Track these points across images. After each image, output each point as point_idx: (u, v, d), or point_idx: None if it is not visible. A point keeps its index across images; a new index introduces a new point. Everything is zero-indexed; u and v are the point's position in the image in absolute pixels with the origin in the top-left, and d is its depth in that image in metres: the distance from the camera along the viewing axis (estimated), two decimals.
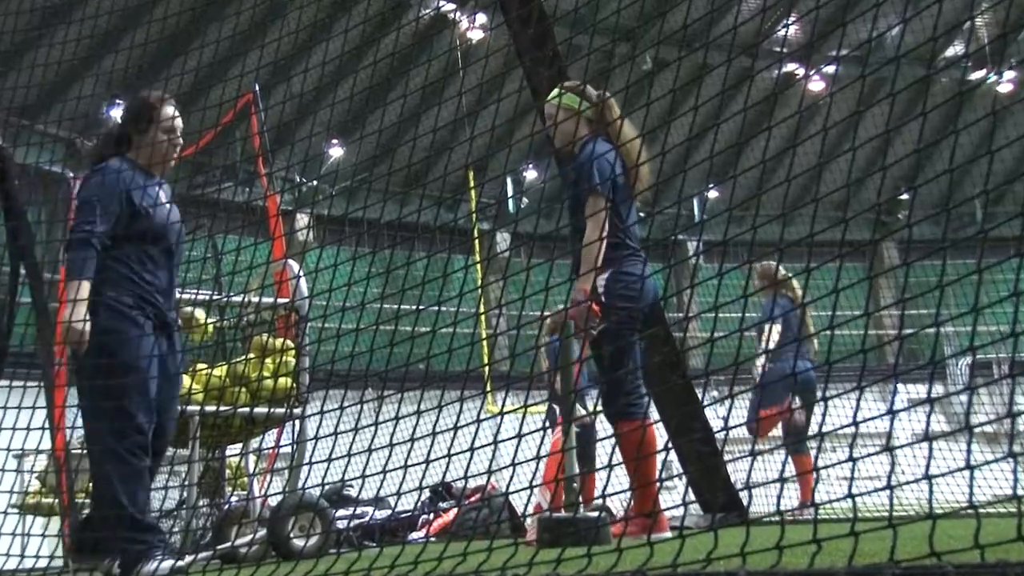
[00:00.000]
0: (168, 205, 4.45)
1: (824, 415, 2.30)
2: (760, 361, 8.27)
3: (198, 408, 5.21)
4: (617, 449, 5.12)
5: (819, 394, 8.68)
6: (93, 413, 4.19)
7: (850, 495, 2.16)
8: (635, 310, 4.93)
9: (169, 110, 4.54)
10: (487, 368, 10.87)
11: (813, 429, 8.98)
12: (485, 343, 13.93)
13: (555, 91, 5.23)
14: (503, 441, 3.12)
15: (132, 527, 4.06)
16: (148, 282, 4.33)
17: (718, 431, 2.98)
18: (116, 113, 20.22)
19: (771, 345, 8.33)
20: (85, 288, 4.20)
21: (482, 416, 3.33)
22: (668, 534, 4.91)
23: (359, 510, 8.90)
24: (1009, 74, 26.82)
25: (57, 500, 7.13)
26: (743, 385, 8.42)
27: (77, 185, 4.42)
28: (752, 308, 9.20)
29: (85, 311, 4.18)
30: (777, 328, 8.40)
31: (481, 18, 23.48)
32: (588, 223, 4.76)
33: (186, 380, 5.35)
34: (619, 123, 5.04)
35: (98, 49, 14.41)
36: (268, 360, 5.50)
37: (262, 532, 5.23)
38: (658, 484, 5.07)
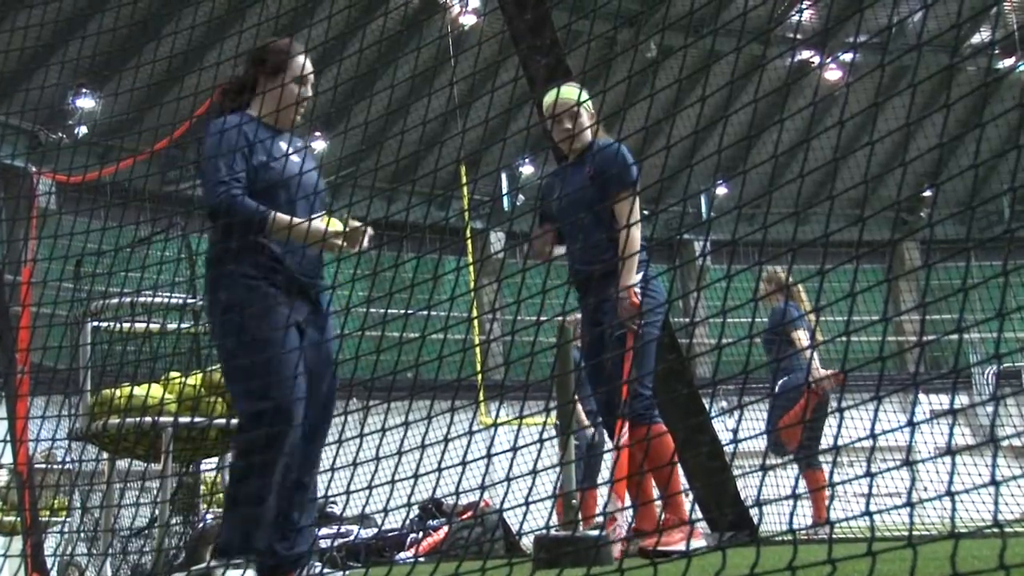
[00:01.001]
0: (296, 159, 4.22)
1: (840, 427, 2.31)
2: (816, 365, 8.28)
3: (171, 420, 5.21)
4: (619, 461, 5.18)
5: (832, 404, 8.68)
6: (235, 399, 4.08)
7: (867, 512, 2.17)
8: (662, 315, 5.20)
9: (302, 59, 4.37)
10: (480, 376, 10.87)
11: (826, 442, 8.98)
12: (478, 350, 13.94)
13: (572, 91, 5.28)
14: (497, 454, 3.13)
15: (259, 526, 3.92)
16: (275, 246, 4.08)
17: (727, 444, 2.99)
18: (84, 102, 20.25)
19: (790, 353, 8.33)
20: (283, 216, 4.00)
21: (474, 428, 3.34)
22: (703, 542, 4.97)
23: (343, 528, 8.89)
24: None
25: (19, 518, 7.12)
26: (753, 395, 8.43)
27: (204, 141, 4.17)
28: (762, 313, 9.21)
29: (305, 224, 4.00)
30: (804, 334, 8.38)
31: (474, 2, 23.50)
32: (623, 218, 5.05)
33: (157, 389, 5.35)
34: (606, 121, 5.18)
35: (63, 35, 14.46)
36: None
37: None
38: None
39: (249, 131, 4.12)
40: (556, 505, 8.48)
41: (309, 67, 4.38)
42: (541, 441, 3.02)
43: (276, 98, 4.24)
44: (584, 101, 5.26)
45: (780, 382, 8.37)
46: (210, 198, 4.01)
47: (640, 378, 5.14)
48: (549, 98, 5.41)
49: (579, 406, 7.74)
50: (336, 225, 4.08)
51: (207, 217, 4.12)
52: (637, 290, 5.06)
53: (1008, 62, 26.08)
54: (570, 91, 5.27)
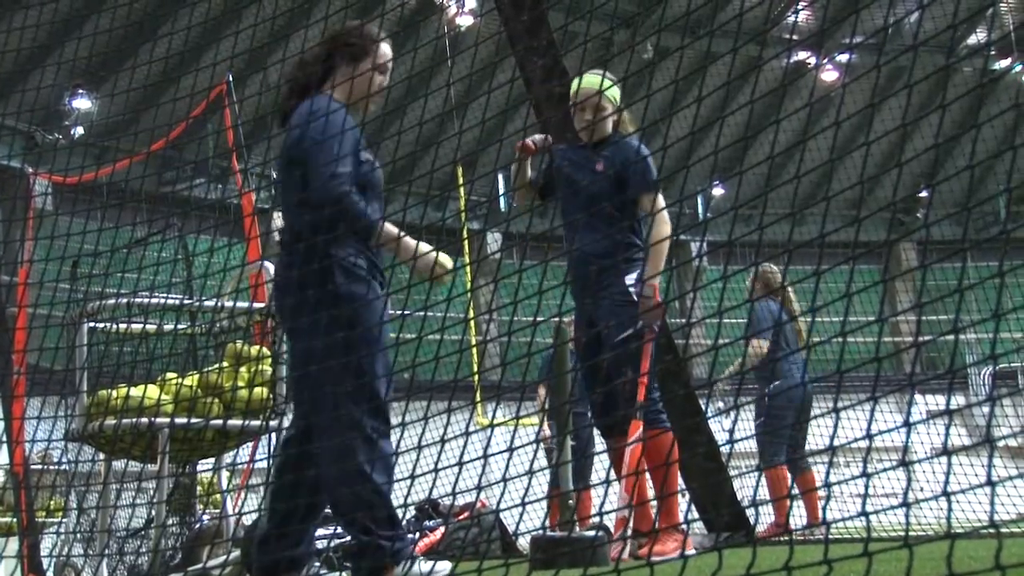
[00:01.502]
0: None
1: (836, 428, 2.31)
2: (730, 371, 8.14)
3: (167, 420, 5.20)
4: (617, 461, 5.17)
5: (825, 407, 8.63)
6: (336, 392, 3.79)
7: (864, 513, 2.17)
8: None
9: (387, 48, 4.26)
10: (477, 377, 10.87)
11: (810, 445, 8.95)
12: (475, 351, 13.94)
13: (596, 79, 5.21)
14: (493, 455, 3.13)
15: (390, 522, 3.75)
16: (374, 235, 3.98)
17: (723, 444, 2.99)
18: (80, 103, 20.23)
19: (757, 360, 8.15)
20: (391, 227, 3.91)
21: (471, 428, 3.34)
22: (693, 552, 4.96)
23: (340, 529, 8.89)
24: None
25: (15, 519, 7.12)
26: (749, 396, 8.41)
27: (298, 122, 3.97)
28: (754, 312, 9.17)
29: (415, 243, 3.93)
30: (761, 343, 8.20)
31: (471, 3, 23.51)
32: (655, 221, 5.10)
33: (154, 390, 5.35)
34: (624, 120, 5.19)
35: (59, 35, 14.45)
36: (243, 369, 5.49)
37: (236, 553, 5.22)
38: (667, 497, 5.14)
39: (349, 119, 3.98)
40: (550, 506, 8.48)
41: (390, 54, 4.28)
42: (538, 441, 3.02)
43: (359, 84, 4.11)
44: (608, 88, 5.18)
45: (769, 387, 8.26)
46: (324, 189, 3.85)
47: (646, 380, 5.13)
48: (576, 84, 5.36)
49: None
50: (440, 256, 4.01)
51: (309, 205, 3.94)
52: (633, 288, 5.04)
53: (1004, 63, 26.11)
54: (597, 80, 5.18)
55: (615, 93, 5.36)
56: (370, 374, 3.79)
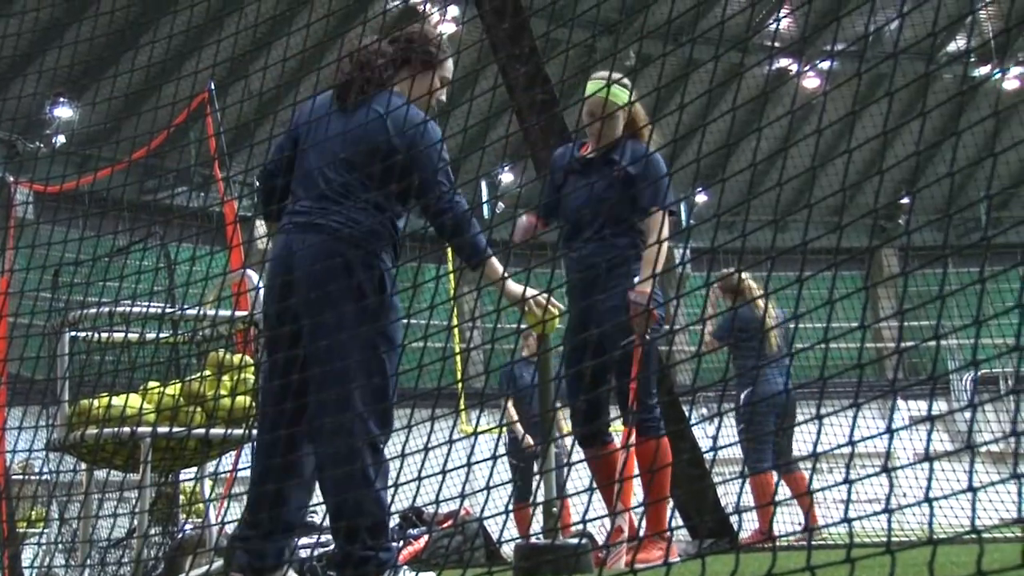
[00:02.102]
0: None
1: (819, 434, 2.31)
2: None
3: (149, 429, 5.18)
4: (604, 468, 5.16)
5: (809, 413, 8.61)
6: (357, 394, 3.68)
7: (846, 519, 2.17)
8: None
9: (450, 63, 4.23)
10: (460, 385, 10.86)
11: (794, 451, 8.96)
12: (458, 358, 13.93)
13: (602, 85, 5.16)
14: (477, 463, 3.12)
15: (380, 530, 3.70)
16: (399, 234, 4.00)
17: (707, 451, 2.99)
18: (61, 112, 20.15)
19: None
20: (497, 262, 3.92)
21: (455, 436, 3.33)
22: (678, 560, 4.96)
23: (323, 538, 8.86)
24: (1015, 70, 27.03)
25: None
26: (732, 403, 8.42)
27: (392, 124, 3.87)
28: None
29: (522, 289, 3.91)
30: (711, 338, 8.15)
31: (453, 11, 23.52)
32: (654, 232, 5.03)
33: (136, 399, 5.33)
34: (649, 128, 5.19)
35: (41, 44, 14.40)
36: (225, 377, 5.48)
37: (218, 563, 5.20)
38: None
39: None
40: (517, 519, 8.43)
41: (452, 69, 4.27)
42: (522, 449, 3.02)
43: (424, 90, 4.04)
44: (599, 91, 5.11)
45: (744, 394, 8.21)
46: (451, 202, 3.92)
47: (648, 388, 5.12)
48: (589, 89, 5.30)
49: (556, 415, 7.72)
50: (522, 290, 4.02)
51: (425, 215, 3.97)
52: (642, 298, 5.00)
53: (984, 70, 26.24)
54: (601, 87, 5.11)
55: (623, 97, 5.25)
56: (387, 376, 3.74)
